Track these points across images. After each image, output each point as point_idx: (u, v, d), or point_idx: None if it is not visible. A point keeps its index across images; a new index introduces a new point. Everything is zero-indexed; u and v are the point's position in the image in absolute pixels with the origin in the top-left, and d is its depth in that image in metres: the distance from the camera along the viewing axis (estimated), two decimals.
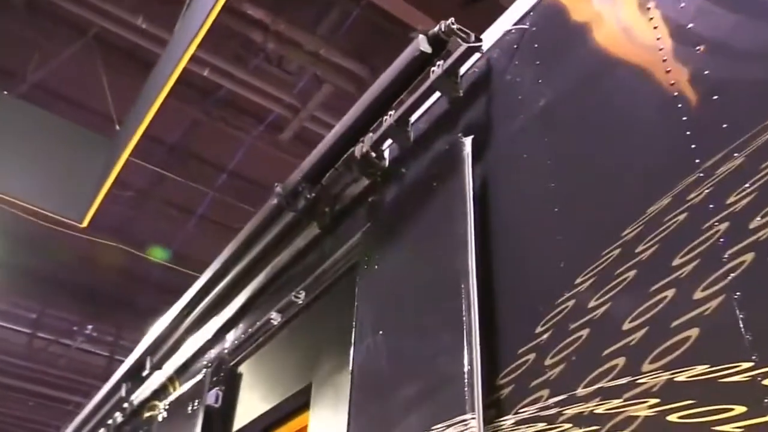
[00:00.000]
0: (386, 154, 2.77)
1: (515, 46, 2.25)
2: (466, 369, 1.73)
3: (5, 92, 6.47)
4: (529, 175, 1.96)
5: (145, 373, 4.23)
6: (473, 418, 1.66)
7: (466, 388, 1.70)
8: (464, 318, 1.80)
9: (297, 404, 2.91)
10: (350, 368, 2.26)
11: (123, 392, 4.49)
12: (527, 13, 2.21)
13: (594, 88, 1.87)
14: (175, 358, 4.05)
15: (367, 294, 2.37)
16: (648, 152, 1.64)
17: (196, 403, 3.40)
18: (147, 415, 4.25)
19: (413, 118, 2.66)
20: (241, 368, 3.40)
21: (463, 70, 2.47)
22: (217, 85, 8.82)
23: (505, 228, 1.98)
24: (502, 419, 1.70)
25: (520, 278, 1.86)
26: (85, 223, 5.98)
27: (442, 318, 1.91)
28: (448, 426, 1.73)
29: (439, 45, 2.41)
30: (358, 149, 2.74)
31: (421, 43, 2.32)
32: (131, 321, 12.25)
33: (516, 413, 1.67)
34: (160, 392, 4.22)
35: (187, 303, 3.78)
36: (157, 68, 6.32)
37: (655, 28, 1.73)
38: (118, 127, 6.38)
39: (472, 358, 1.73)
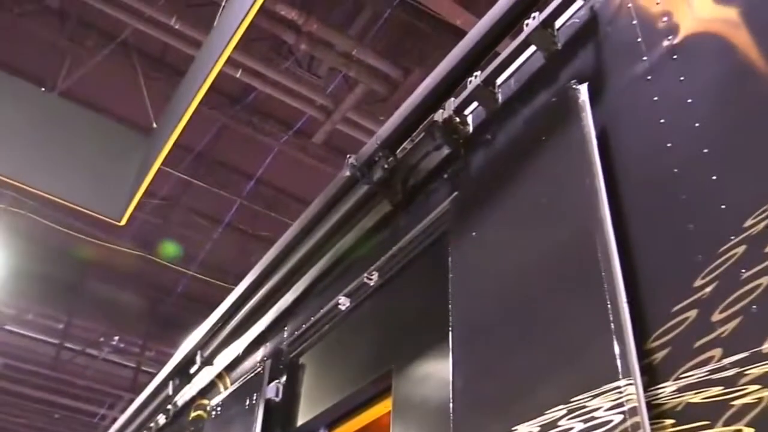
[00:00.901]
0: (470, 119, 2.57)
1: None
2: (613, 332, 1.50)
3: (42, 89, 6.36)
4: (666, 118, 1.74)
5: (194, 369, 4.01)
6: (630, 384, 1.43)
7: (617, 353, 1.47)
8: (604, 276, 1.58)
9: (372, 393, 2.68)
10: (450, 345, 2.04)
11: (170, 390, 4.27)
12: None
13: (741, 18, 1.65)
14: (227, 352, 3.83)
15: (465, 263, 2.14)
16: None
17: (254, 398, 3.19)
18: (194, 414, 4.02)
19: (500, 79, 2.47)
20: (303, 359, 3.17)
21: (558, 23, 2.28)
22: (245, 90, 8.69)
23: (636, 175, 1.76)
24: (659, 386, 1.46)
25: (664, 228, 1.63)
26: (123, 222, 5.83)
27: (575, 279, 1.69)
28: (595, 396, 1.50)
29: None
30: (439, 115, 2.54)
31: None
32: (157, 332, 12.08)
33: (677, 379, 1.44)
34: (208, 390, 4.00)
35: (241, 293, 3.56)
36: (191, 69, 6.18)
37: None
38: (155, 125, 6.23)
39: (620, 320, 1.51)
